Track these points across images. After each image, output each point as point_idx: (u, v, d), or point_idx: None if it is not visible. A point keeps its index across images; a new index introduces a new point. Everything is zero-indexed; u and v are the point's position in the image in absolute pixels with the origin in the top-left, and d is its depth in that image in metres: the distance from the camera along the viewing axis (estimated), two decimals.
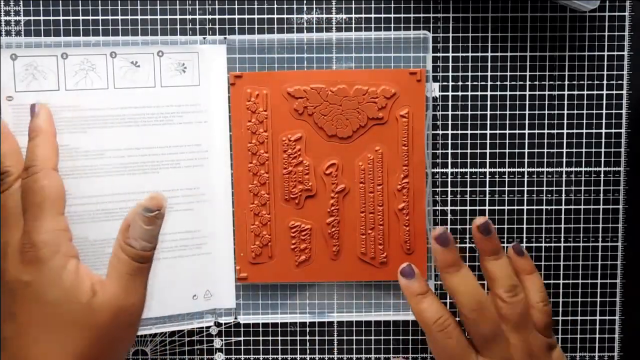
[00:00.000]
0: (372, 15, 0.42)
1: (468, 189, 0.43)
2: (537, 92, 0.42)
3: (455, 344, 0.37)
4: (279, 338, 0.43)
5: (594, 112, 0.42)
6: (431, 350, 0.39)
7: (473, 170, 0.43)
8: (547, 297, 0.39)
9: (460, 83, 0.42)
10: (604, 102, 0.42)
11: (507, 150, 0.42)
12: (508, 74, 0.42)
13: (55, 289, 0.32)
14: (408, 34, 0.41)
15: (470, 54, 0.42)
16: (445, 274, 0.38)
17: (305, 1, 0.42)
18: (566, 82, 0.42)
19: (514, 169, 0.43)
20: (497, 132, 0.42)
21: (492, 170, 0.43)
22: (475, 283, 0.38)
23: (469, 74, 0.42)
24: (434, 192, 0.43)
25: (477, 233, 0.39)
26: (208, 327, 0.43)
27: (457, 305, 0.38)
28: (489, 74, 0.42)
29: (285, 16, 0.42)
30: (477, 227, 0.38)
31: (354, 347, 0.44)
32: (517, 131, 0.42)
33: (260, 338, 0.43)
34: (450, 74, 0.42)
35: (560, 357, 0.39)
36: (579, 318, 0.43)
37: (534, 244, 0.43)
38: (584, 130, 0.42)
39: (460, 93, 0.42)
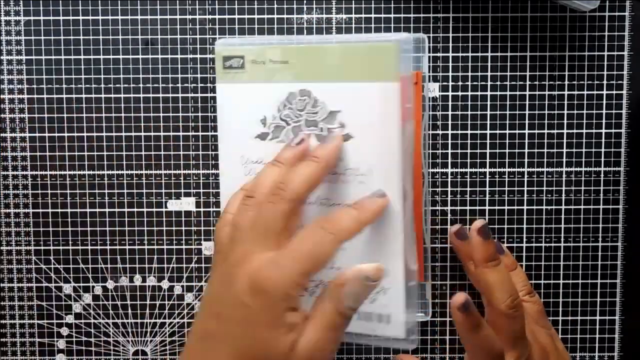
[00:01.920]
0: (372, 16, 0.42)
1: (468, 189, 0.43)
2: (537, 92, 0.42)
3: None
4: None
5: (594, 112, 0.42)
6: None
7: (473, 170, 0.43)
8: (532, 287, 0.41)
9: (460, 83, 0.42)
10: (604, 102, 0.42)
11: (507, 150, 0.42)
12: (508, 74, 0.42)
13: (265, 327, 0.32)
14: (407, 36, 0.41)
15: (470, 54, 0.42)
16: (485, 268, 0.38)
17: (305, 1, 0.42)
18: (566, 82, 0.42)
19: (514, 169, 0.43)
20: (497, 132, 0.42)
21: (492, 170, 0.43)
22: (511, 279, 0.38)
23: (469, 74, 0.42)
24: (433, 192, 0.43)
25: (477, 237, 0.38)
26: None
27: (494, 302, 0.37)
28: (489, 74, 0.42)
29: (285, 16, 0.42)
30: (477, 230, 0.38)
31: (354, 347, 0.44)
32: (517, 131, 0.42)
33: None
34: (450, 74, 0.42)
35: (564, 349, 0.40)
36: (579, 318, 0.43)
37: (534, 244, 0.43)
38: (584, 130, 0.42)
39: (460, 93, 0.42)
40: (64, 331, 0.44)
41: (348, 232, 0.33)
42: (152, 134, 0.42)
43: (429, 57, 0.42)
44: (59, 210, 0.43)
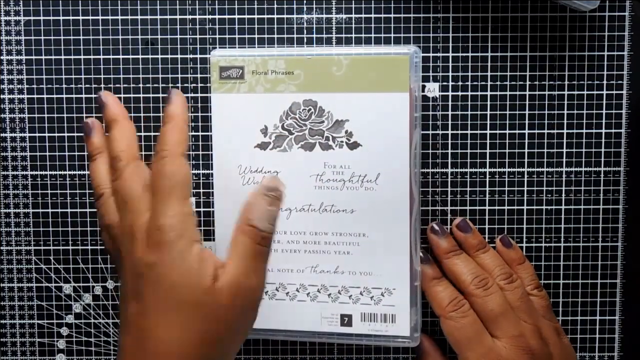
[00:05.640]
0: (372, 16, 0.42)
1: (468, 189, 0.43)
2: (537, 92, 0.42)
3: (471, 322, 0.38)
4: (280, 338, 0.43)
5: (594, 112, 0.42)
6: (446, 336, 0.39)
7: (473, 170, 0.43)
8: (540, 282, 0.42)
9: (460, 83, 0.42)
10: (604, 102, 0.42)
11: (507, 150, 0.42)
12: (508, 74, 0.42)
13: (179, 272, 0.32)
14: (415, 48, 0.42)
15: (470, 54, 0.42)
16: (446, 259, 0.41)
17: (305, 1, 0.42)
18: (566, 82, 0.42)
19: (514, 169, 0.43)
20: (497, 132, 0.42)
21: (492, 170, 0.43)
22: (475, 263, 0.41)
23: (469, 74, 0.42)
24: (433, 192, 0.43)
25: (458, 232, 0.42)
26: None
27: (462, 287, 0.40)
28: (489, 74, 0.42)
29: (285, 16, 0.42)
30: (456, 227, 0.42)
31: (354, 347, 0.44)
32: (517, 131, 0.42)
33: (260, 338, 0.43)
34: (450, 74, 0.42)
35: (569, 346, 0.41)
36: (579, 318, 0.43)
37: (534, 244, 0.43)
38: (584, 130, 0.42)
39: (460, 93, 0.42)
40: (64, 331, 0.44)
41: (178, 143, 0.34)
42: (152, 134, 0.42)
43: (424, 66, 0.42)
44: (59, 210, 0.43)
